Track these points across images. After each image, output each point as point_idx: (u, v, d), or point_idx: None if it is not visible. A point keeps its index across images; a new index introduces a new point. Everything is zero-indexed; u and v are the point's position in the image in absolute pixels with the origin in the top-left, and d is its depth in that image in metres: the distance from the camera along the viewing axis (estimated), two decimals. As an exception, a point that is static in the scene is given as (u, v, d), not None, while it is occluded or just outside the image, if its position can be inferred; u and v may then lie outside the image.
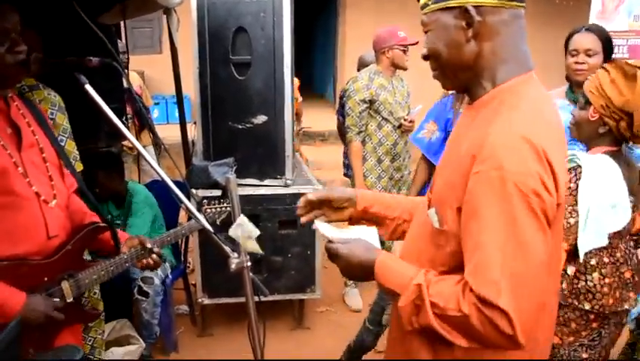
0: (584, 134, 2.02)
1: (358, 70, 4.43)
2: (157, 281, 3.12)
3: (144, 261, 1.98)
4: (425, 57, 1.32)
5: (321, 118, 8.77)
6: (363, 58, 4.58)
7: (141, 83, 4.78)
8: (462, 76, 1.27)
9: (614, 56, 6.26)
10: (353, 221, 1.63)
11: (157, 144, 5.29)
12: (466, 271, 1.14)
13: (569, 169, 1.90)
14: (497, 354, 1.20)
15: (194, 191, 3.23)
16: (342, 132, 4.36)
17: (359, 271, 1.36)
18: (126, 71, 2.67)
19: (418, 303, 1.18)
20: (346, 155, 4.59)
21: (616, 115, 1.90)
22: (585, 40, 2.51)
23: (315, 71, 12.04)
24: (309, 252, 3.40)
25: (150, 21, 7.78)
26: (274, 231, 3.32)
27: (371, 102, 3.68)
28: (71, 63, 1.62)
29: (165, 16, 3.38)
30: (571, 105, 2.44)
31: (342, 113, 4.06)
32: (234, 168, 3.30)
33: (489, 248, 1.10)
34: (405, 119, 3.72)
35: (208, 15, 3.18)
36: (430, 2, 1.25)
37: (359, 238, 1.43)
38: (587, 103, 1.97)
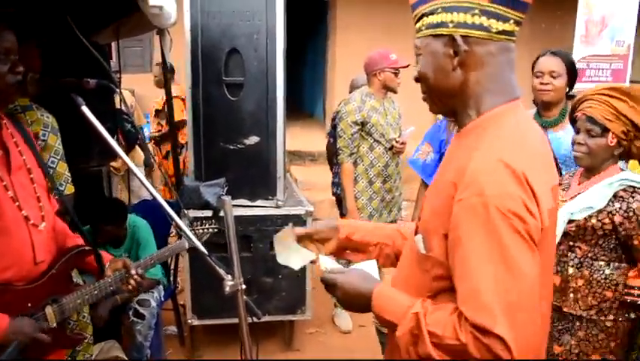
0: (599, 160, 2.09)
1: (350, 92, 4.47)
2: (153, 303, 3.09)
3: (127, 285, 1.97)
4: (417, 79, 1.34)
5: (310, 138, 8.78)
6: (355, 81, 4.61)
7: (133, 101, 4.77)
8: (447, 101, 1.29)
9: (597, 79, 6.31)
10: (338, 251, 1.65)
11: (147, 164, 5.29)
12: (458, 299, 1.14)
13: (624, 191, 2.02)
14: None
15: (185, 211, 3.22)
16: (330, 153, 4.39)
17: (357, 301, 1.36)
18: (119, 90, 2.68)
19: (415, 332, 1.18)
20: (336, 174, 4.61)
21: (637, 136, 2.02)
22: (549, 63, 2.61)
23: (305, 90, 12.10)
24: (299, 274, 3.38)
25: (141, 40, 7.80)
26: (265, 252, 3.31)
27: (363, 124, 3.70)
28: (68, 84, 1.62)
29: (157, 35, 3.40)
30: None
31: (333, 134, 4.08)
32: (226, 188, 3.30)
33: (479, 274, 1.10)
34: (397, 141, 3.74)
35: (201, 36, 3.20)
36: (423, 27, 1.27)
37: (357, 268, 1.44)
38: (605, 131, 2.04)
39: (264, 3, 3.12)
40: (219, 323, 3.39)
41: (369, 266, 1.52)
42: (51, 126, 2.29)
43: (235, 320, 3.40)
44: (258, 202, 3.34)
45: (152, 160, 5.40)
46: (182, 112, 4.83)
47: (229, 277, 1.69)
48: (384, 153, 3.77)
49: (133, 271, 1.95)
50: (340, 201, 4.46)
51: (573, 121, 2.20)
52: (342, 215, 4.33)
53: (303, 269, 3.37)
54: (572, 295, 2.09)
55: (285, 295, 3.39)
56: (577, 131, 2.14)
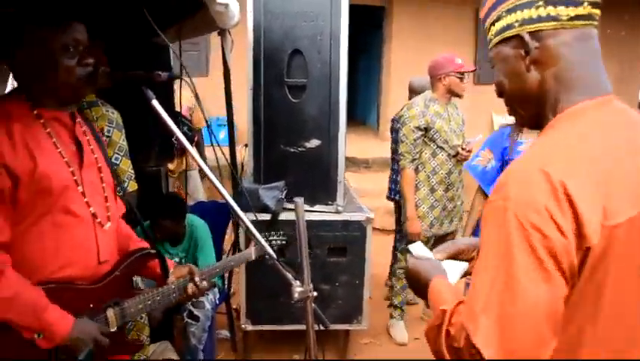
0: None
1: (410, 96, 4.36)
2: (208, 306, 3.06)
3: (189, 292, 1.91)
4: (498, 93, 1.26)
5: (364, 145, 8.70)
6: (412, 84, 4.51)
7: (192, 103, 4.79)
8: (528, 108, 1.19)
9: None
10: None
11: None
12: None
13: None
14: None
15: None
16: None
17: (417, 287, 1.37)
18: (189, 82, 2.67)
19: (438, 329, 1.13)
20: (392, 179, 4.49)
21: None
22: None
23: (358, 98, 12.01)
24: (357, 281, 3.30)
25: (196, 44, 7.88)
26: (323, 258, 3.23)
27: (426, 130, 3.58)
28: (139, 77, 1.58)
29: (219, 37, 3.38)
30: None
31: (394, 139, 3.97)
32: (285, 192, 3.24)
33: (480, 281, 1.03)
34: (463, 148, 3.61)
35: (264, 37, 3.16)
36: (492, 37, 1.21)
37: (432, 259, 1.41)
38: None
39: (328, 4, 3.05)
40: (273, 328, 3.32)
41: (455, 266, 1.46)
42: (116, 122, 2.28)
43: (289, 327, 3.36)
44: (317, 207, 3.26)
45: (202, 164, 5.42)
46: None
47: (297, 282, 1.61)
48: (447, 159, 3.63)
49: (197, 279, 1.90)
50: (399, 208, 4.35)
51: None
52: (400, 222, 4.22)
53: (362, 277, 3.28)
54: None
55: (341, 303, 3.30)
56: None
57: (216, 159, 2.63)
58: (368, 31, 10.23)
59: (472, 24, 9.31)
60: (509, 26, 1.15)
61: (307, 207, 3.29)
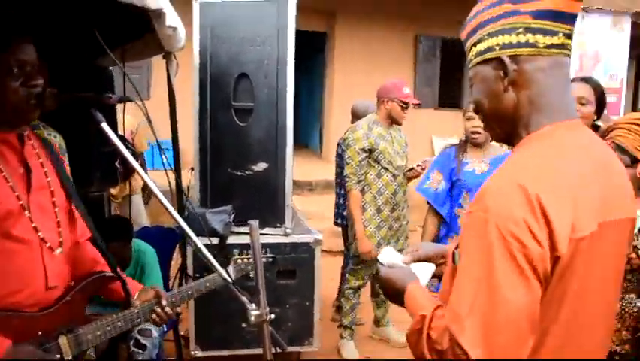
0: None
1: (352, 120, 4.45)
2: (155, 333, 2.97)
3: (154, 316, 1.83)
4: (475, 110, 1.35)
5: (307, 168, 8.75)
6: (355, 107, 4.61)
7: (134, 127, 4.71)
8: (503, 126, 1.28)
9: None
10: None
11: (145, 190, 5.21)
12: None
13: None
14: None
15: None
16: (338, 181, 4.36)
17: (394, 295, 1.42)
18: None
19: (419, 333, 1.20)
20: (338, 204, 4.55)
21: None
22: (579, 89, 2.51)
23: (300, 121, 12.11)
24: (307, 303, 3.30)
25: (138, 67, 7.78)
26: (273, 280, 3.22)
27: (370, 151, 3.66)
28: (88, 99, 1.55)
29: (162, 60, 3.35)
30: None
31: (339, 163, 4.04)
32: (233, 215, 3.22)
33: (463, 285, 1.10)
34: (418, 165, 3.72)
35: (210, 61, 3.17)
36: (473, 57, 1.28)
37: (404, 267, 1.50)
38: (636, 161, 1.98)
39: (275, 30, 3.10)
40: (224, 354, 3.27)
41: (424, 269, 1.55)
42: (59, 146, 2.22)
43: (240, 352, 3.31)
44: (266, 230, 3.26)
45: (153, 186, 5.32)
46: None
47: (253, 305, 1.60)
48: (391, 180, 3.72)
49: (164, 302, 1.82)
50: (345, 231, 4.40)
51: None
52: (347, 245, 4.27)
53: (312, 299, 3.29)
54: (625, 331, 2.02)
55: (292, 325, 3.29)
56: None
57: (168, 183, 2.57)
58: (309, 55, 10.39)
59: (412, 49, 9.62)
60: (490, 49, 1.23)
61: (256, 231, 3.28)
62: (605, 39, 9.65)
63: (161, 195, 1.60)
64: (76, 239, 1.83)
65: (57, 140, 2.21)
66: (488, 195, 1.11)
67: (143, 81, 8.02)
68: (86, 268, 1.84)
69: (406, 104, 3.72)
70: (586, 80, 2.61)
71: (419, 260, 1.59)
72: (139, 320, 1.80)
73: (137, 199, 5.01)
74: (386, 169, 3.70)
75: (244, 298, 1.60)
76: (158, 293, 1.85)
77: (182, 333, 3.65)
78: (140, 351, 2.93)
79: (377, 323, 4.26)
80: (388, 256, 1.57)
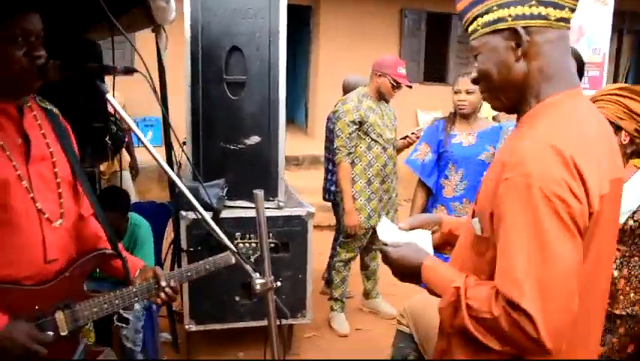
0: None
1: (344, 93, 4.45)
2: (137, 306, 2.97)
3: (157, 297, 1.82)
4: (475, 81, 1.38)
5: (294, 143, 8.70)
6: (347, 81, 4.60)
7: (122, 104, 4.66)
8: (512, 95, 1.32)
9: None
10: (441, 246, 1.69)
11: (133, 167, 5.19)
12: (495, 274, 1.19)
13: None
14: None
15: (183, 213, 3.14)
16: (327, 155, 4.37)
17: (408, 273, 1.45)
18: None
19: (455, 305, 1.24)
20: (327, 180, 4.57)
21: None
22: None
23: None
24: (300, 275, 3.33)
25: (121, 42, 7.66)
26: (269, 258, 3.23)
27: (360, 123, 3.68)
28: (93, 70, 1.53)
29: (147, 35, 3.30)
30: None
31: (329, 136, 4.05)
32: (226, 189, 3.22)
33: (514, 251, 1.14)
34: (413, 133, 3.76)
35: (202, 34, 3.13)
36: (479, 27, 1.31)
37: (410, 242, 1.52)
38: (618, 129, 2.07)
39: (267, 1, 3.07)
40: (218, 327, 3.30)
41: (423, 236, 1.59)
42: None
43: (234, 325, 3.35)
44: (259, 203, 3.26)
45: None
46: None
47: (257, 275, 1.63)
48: (381, 152, 3.75)
49: (163, 283, 1.80)
50: (335, 206, 4.42)
51: None
52: (338, 219, 4.30)
53: (305, 272, 3.33)
54: (621, 296, 2.10)
55: (285, 298, 3.31)
56: None
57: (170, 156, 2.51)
58: (295, 30, 10.30)
59: (397, 23, 9.58)
60: (501, 19, 1.26)
61: (248, 204, 3.30)
62: (588, 13, 9.68)
63: (167, 167, 1.61)
64: (80, 212, 1.81)
65: (55, 112, 2.18)
66: (527, 160, 1.15)
67: (126, 56, 7.90)
68: (89, 243, 1.83)
69: (398, 83, 3.73)
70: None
71: (414, 227, 1.63)
72: (136, 298, 1.79)
73: (126, 175, 4.98)
74: (376, 142, 3.72)
75: (249, 267, 1.62)
76: (157, 273, 1.82)
77: (175, 309, 3.68)
78: (124, 325, 2.94)
79: (367, 295, 4.32)
80: (386, 229, 1.59)
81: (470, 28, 1.34)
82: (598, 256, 1.24)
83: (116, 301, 1.75)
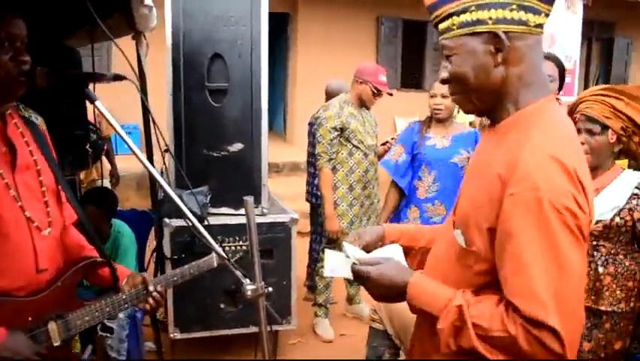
0: (602, 158, 2.18)
1: (326, 99, 4.47)
2: (121, 315, 2.94)
3: (146, 302, 1.82)
4: (444, 81, 1.33)
5: (273, 150, 8.66)
6: (329, 87, 4.64)
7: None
8: (487, 99, 1.29)
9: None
10: None
11: (114, 175, 5.14)
12: (507, 292, 1.15)
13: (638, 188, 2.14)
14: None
15: (167, 220, 3.12)
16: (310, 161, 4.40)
17: (391, 293, 1.35)
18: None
19: (457, 325, 1.19)
20: (311, 183, 4.58)
21: (635, 132, 2.10)
22: (546, 67, 2.66)
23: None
24: (284, 282, 3.33)
25: (97, 49, 7.59)
26: (250, 260, 3.23)
27: (342, 130, 3.70)
28: (81, 77, 1.53)
29: (125, 42, 3.28)
30: None
31: (311, 141, 4.06)
32: (209, 196, 3.21)
33: (531, 267, 1.11)
34: (393, 138, 3.79)
35: (183, 41, 3.13)
36: (454, 27, 1.25)
37: (389, 258, 1.43)
38: (605, 128, 2.12)
39: (248, 8, 3.07)
40: (203, 335, 3.28)
41: (394, 251, 1.51)
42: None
43: (219, 332, 3.33)
44: (242, 210, 3.25)
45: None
46: None
47: (247, 280, 1.63)
48: (363, 158, 3.78)
49: (151, 288, 1.80)
50: (313, 209, 4.44)
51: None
52: (317, 223, 4.31)
53: (289, 278, 3.33)
54: (607, 293, 2.15)
55: (270, 304, 3.30)
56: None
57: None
58: (273, 36, 10.31)
59: (374, 30, 9.65)
60: (481, 21, 1.22)
61: (232, 211, 3.30)
62: (559, 22, 9.89)
63: (160, 177, 1.61)
64: (64, 222, 1.80)
65: (38, 122, 2.16)
66: (533, 174, 1.13)
67: (103, 63, 7.83)
68: (73, 252, 1.82)
69: (379, 91, 3.76)
70: (550, 57, 2.73)
71: (368, 245, 1.58)
72: (126, 305, 1.79)
73: (105, 184, 4.94)
74: (357, 148, 3.75)
75: (239, 273, 1.63)
76: (145, 279, 1.83)
77: (159, 317, 3.64)
78: (108, 335, 2.91)
79: (350, 300, 4.34)
80: (352, 251, 1.49)
81: (442, 26, 1.28)
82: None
83: (107, 309, 1.75)
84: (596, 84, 12.03)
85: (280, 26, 9.50)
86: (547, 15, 1.24)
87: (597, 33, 11.30)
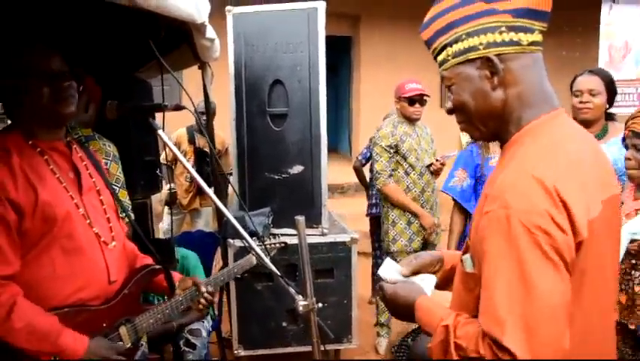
0: None
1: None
2: (204, 333, 3.10)
3: (198, 303, 2.00)
4: (450, 111, 1.34)
5: (338, 172, 8.81)
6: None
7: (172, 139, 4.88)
8: (490, 124, 1.29)
9: (624, 103, 6.42)
10: (443, 283, 1.59)
11: (172, 201, 5.40)
12: (479, 310, 1.15)
13: None
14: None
15: (230, 241, 3.24)
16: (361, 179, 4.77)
17: (403, 312, 1.42)
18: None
19: (444, 345, 1.20)
20: (371, 195, 4.65)
21: None
22: (588, 82, 2.68)
23: (328, 125, 12.22)
24: (345, 301, 3.38)
25: (166, 79, 7.97)
26: (311, 280, 3.30)
27: (397, 148, 3.74)
28: (147, 108, 1.67)
29: (193, 71, 3.47)
30: None
31: (367, 158, 4.14)
32: (271, 217, 3.32)
33: (496, 286, 1.10)
34: (437, 160, 3.78)
35: (245, 69, 3.28)
36: (449, 57, 1.27)
37: (408, 280, 1.49)
38: None
39: (306, 36, 3.19)
40: (266, 353, 3.37)
41: (427, 280, 1.53)
42: (112, 155, 2.36)
43: (281, 350, 3.40)
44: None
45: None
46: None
47: (300, 296, 1.70)
48: (419, 178, 3.79)
49: (203, 289, 1.99)
50: (376, 222, 4.47)
51: (624, 139, 2.23)
52: (379, 239, 4.33)
53: (350, 297, 3.37)
54: (638, 312, 2.08)
55: (331, 323, 3.36)
56: (626, 148, 2.17)
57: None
58: (336, 59, 10.48)
59: (436, 50, 9.60)
60: (473, 48, 1.23)
61: (293, 232, 3.38)
62: (634, 29, 9.51)
63: (217, 200, 1.72)
64: (124, 235, 1.99)
65: (111, 149, 2.35)
66: (507, 192, 1.12)
67: (174, 92, 8.20)
68: (130, 262, 2.00)
69: (412, 100, 3.77)
70: (594, 72, 2.73)
71: (417, 269, 1.56)
72: (182, 306, 1.97)
73: (208, 211, 5.28)
74: (413, 167, 3.77)
75: (292, 289, 1.69)
76: (196, 281, 2.01)
77: (224, 335, 3.76)
78: (191, 350, 3.05)
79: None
80: (389, 269, 1.53)
81: (439, 59, 1.31)
82: (595, 280, 1.19)
83: (167, 311, 1.94)
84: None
85: (343, 48, 9.66)
86: (541, 31, 1.23)
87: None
